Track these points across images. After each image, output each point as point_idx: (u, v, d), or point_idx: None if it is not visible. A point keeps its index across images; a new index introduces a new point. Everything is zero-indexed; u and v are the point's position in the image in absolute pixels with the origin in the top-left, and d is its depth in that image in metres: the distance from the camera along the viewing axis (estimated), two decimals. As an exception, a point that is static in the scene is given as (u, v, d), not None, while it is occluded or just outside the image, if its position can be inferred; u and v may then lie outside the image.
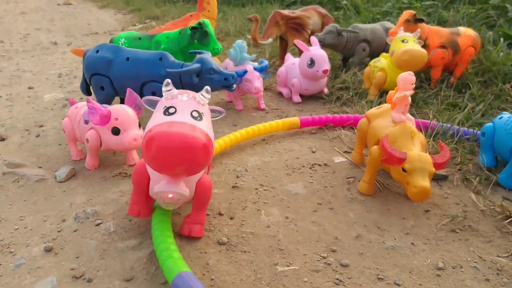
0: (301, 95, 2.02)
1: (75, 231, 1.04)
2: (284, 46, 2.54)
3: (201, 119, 0.87)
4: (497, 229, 1.05)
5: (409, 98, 1.18)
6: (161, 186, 0.83)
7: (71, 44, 3.51)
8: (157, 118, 0.85)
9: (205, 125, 0.87)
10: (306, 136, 1.61)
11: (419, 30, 1.83)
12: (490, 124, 1.30)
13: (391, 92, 1.23)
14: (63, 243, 1.00)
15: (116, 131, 1.23)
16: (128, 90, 1.32)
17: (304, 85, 1.96)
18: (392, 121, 1.19)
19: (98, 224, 1.06)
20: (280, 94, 2.11)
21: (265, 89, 2.19)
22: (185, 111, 0.86)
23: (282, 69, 2.08)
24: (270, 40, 2.39)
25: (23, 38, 3.81)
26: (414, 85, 1.17)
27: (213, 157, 1.41)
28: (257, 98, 1.91)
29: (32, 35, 3.98)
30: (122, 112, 1.24)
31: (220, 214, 1.11)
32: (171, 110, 0.86)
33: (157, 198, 0.88)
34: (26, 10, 5.82)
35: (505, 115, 1.27)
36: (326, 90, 2.05)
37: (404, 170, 1.04)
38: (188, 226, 0.99)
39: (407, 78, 1.15)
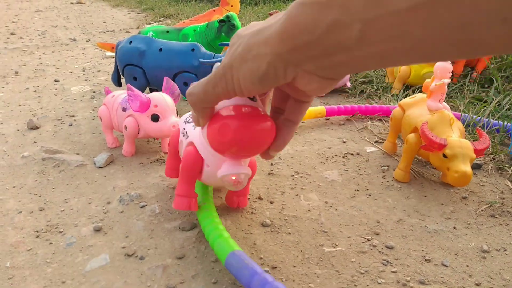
0: (324, 89, 2.03)
1: (121, 212, 1.07)
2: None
3: (256, 99, 0.89)
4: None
5: (446, 87, 1.19)
6: (226, 169, 0.82)
7: (89, 41, 3.55)
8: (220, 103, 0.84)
9: (260, 104, 0.88)
10: (334, 127, 1.63)
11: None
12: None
13: (427, 81, 1.25)
14: (111, 223, 1.03)
15: (155, 118, 1.25)
16: (166, 78, 1.35)
17: (328, 79, 1.97)
18: (428, 110, 1.20)
19: (143, 206, 1.09)
20: (303, 88, 2.13)
21: (288, 83, 2.20)
22: None
23: (305, 64, 2.10)
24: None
25: (42, 35, 3.86)
26: (451, 74, 1.18)
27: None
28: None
29: (49, 32, 4.03)
30: (162, 99, 1.26)
31: (260, 198, 1.13)
32: None
33: (221, 183, 0.87)
34: (41, 8, 5.88)
35: None
36: (349, 84, 2.07)
37: (445, 156, 1.05)
38: (237, 199, 1.05)
39: (445, 66, 1.17)
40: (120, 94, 1.37)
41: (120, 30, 4.19)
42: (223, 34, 1.85)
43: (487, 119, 1.50)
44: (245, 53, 0.45)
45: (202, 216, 0.96)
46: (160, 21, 4.60)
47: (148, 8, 5.55)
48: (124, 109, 1.32)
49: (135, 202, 1.11)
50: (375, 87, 2.00)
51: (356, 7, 0.33)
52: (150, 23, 4.55)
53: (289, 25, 0.39)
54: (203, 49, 1.56)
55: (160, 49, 1.57)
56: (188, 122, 1.03)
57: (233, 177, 0.85)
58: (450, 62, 1.18)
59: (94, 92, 2.07)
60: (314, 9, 0.36)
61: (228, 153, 0.79)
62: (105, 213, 1.07)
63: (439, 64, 1.19)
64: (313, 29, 0.37)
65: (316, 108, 1.62)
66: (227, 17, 1.84)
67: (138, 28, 4.29)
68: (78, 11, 5.70)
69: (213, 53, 1.56)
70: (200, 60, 1.48)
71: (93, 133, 1.56)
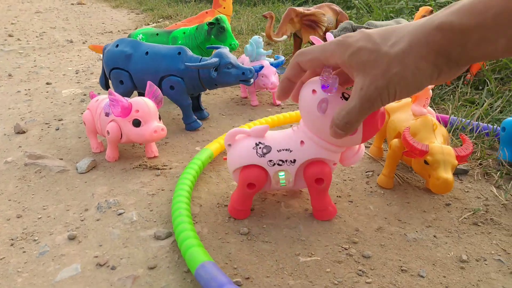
0: (316, 92, 2.01)
1: (98, 220, 1.06)
2: (298, 43, 2.55)
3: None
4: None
5: (430, 91, 1.17)
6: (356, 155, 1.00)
7: (86, 42, 3.56)
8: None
9: None
10: (322, 131, 1.61)
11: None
12: (511, 118, 1.28)
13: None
14: (86, 231, 1.02)
15: (137, 123, 1.24)
16: (149, 83, 1.34)
17: (320, 82, 1.96)
18: (413, 114, 1.18)
19: (120, 214, 1.08)
20: (295, 90, 2.11)
21: (280, 85, 2.19)
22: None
23: (297, 66, 2.08)
24: (285, 37, 2.39)
25: (39, 36, 3.87)
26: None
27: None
28: (272, 93, 1.91)
29: (47, 33, 4.04)
30: (143, 104, 1.25)
31: (240, 205, 1.12)
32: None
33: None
34: (41, 10, 5.91)
35: None
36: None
37: (426, 162, 1.03)
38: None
39: None
40: (104, 98, 1.37)
41: (118, 31, 4.19)
42: (212, 36, 1.84)
43: (477, 123, 1.48)
44: (403, 71, 0.54)
45: (177, 224, 0.95)
46: (158, 22, 4.59)
47: (147, 9, 5.55)
48: (107, 114, 1.31)
49: (113, 209, 1.10)
50: (366, 89, 1.97)
51: (502, 26, 0.44)
52: (149, 24, 4.55)
53: (444, 41, 0.50)
54: (190, 53, 1.55)
55: (147, 53, 1.56)
56: (266, 153, 0.97)
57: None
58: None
59: (85, 95, 2.06)
60: (464, 29, 0.47)
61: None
62: (82, 220, 1.06)
63: None
64: (464, 43, 0.48)
65: (299, 112, 1.59)
66: (217, 19, 1.83)
67: (136, 29, 4.29)
68: (77, 12, 5.71)
69: (200, 57, 1.54)
70: (186, 63, 1.47)
71: (79, 138, 1.55)
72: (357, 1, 3.76)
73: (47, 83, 2.28)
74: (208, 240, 0.97)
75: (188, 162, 1.33)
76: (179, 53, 1.54)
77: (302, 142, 0.96)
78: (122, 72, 1.57)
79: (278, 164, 0.97)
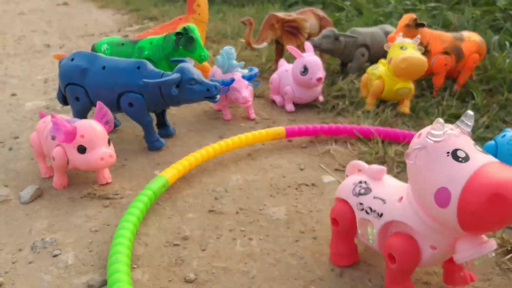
0: (294, 104, 1.91)
1: (30, 263, 0.95)
2: (280, 50, 2.43)
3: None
4: (497, 265, 0.93)
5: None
6: (472, 251, 0.67)
7: (63, 47, 3.43)
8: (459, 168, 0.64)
9: None
10: (295, 151, 1.50)
11: (419, 36, 1.71)
12: (492, 142, 1.18)
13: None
14: (15, 277, 0.91)
15: (82, 149, 1.13)
16: (98, 103, 1.23)
17: (298, 93, 1.85)
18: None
19: (55, 256, 0.96)
20: (273, 102, 2.01)
21: (258, 96, 2.08)
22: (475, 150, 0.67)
23: (275, 76, 1.98)
24: (265, 44, 2.28)
25: (17, 41, 3.74)
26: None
27: (191, 174, 1.31)
28: (247, 107, 1.80)
29: (27, 37, 3.91)
30: (89, 128, 1.14)
31: (192, 244, 1.01)
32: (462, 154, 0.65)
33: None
34: (25, 11, 5.76)
35: (508, 132, 1.15)
36: (321, 98, 1.94)
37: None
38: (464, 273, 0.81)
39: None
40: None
41: (100, 34, 4.06)
42: (180, 47, 1.72)
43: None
44: None
45: (111, 271, 0.84)
46: (143, 23, 4.47)
47: (133, 10, 5.41)
48: (53, 138, 1.19)
49: (48, 250, 0.98)
50: (347, 102, 1.87)
51: None
52: (132, 26, 4.43)
53: None
54: (151, 67, 1.44)
55: (104, 67, 1.44)
56: (362, 194, 0.84)
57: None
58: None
59: (48, 108, 1.95)
60: None
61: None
62: (13, 263, 0.95)
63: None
64: None
65: (275, 129, 1.49)
66: (185, 29, 1.71)
67: (119, 31, 4.17)
68: (62, 13, 5.57)
69: (162, 72, 1.43)
70: (144, 80, 1.36)
71: (32, 159, 1.44)
72: (348, 2, 3.65)
73: (12, 94, 2.16)
74: (147, 290, 0.87)
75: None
76: (139, 67, 1.43)
77: (401, 198, 0.78)
78: (78, 87, 1.46)
79: (366, 212, 0.82)
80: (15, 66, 2.79)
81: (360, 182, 0.87)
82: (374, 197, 0.82)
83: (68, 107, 1.59)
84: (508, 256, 0.95)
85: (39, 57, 3.08)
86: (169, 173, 1.19)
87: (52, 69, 2.69)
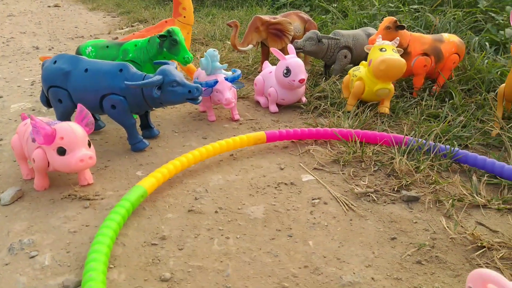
0: (278, 105, 1.93)
1: (6, 264, 0.96)
2: (265, 52, 2.45)
3: None
4: (467, 261, 0.96)
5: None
6: None
7: (53, 49, 3.43)
8: None
9: None
10: (276, 151, 1.52)
11: (398, 38, 1.74)
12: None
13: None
14: (-8, 278, 0.92)
15: (61, 151, 1.14)
16: (79, 105, 1.24)
17: (281, 94, 1.87)
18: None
19: (32, 257, 0.98)
20: (258, 103, 2.03)
21: (243, 97, 2.10)
22: None
23: (259, 78, 2.00)
24: (250, 46, 2.30)
25: (6, 43, 3.72)
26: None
27: (173, 176, 1.32)
28: (230, 108, 1.82)
29: (15, 39, 3.90)
30: (69, 130, 1.16)
31: (169, 243, 1.03)
32: None
33: None
34: (15, 13, 5.74)
35: None
36: (304, 99, 1.97)
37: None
38: None
39: None
40: (33, 122, 1.26)
41: (90, 36, 4.07)
42: (164, 49, 1.74)
43: (433, 143, 1.40)
44: None
45: (86, 271, 0.86)
46: (132, 26, 4.47)
47: (124, 12, 5.41)
48: (34, 140, 1.20)
49: (25, 251, 1.00)
50: (328, 103, 1.89)
51: None
52: (123, 28, 4.43)
53: None
54: (133, 70, 1.45)
55: (86, 70, 1.45)
56: None
57: None
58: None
59: (33, 110, 1.96)
60: None
61: None
62: (-9, 264, 0.96)
63: None
64: None
65: (255, 134, 1.50)
66: (168, 31, 1.73)
67: (109, 33, 4.17)
68: (52, 15, 5.55)
69: (144, 74, 1.45)
70: (126, 82, 1.37)
71: (14, 161, 1.45)
72: (334, 5, 3.69)
73: (-2, 97, 2.16)
74: (123, 289, 0.88)
75: (124, 190, 1.24)
76: (121, 70, 1.44)
77: None
78: (60, 90, 1.47)
79: None
80: (2, 68, 2.79)
81: None
82: None
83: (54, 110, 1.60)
84: (478, 252, 0.98)
85: (27, 58, 3.07)
86: (147, 183, 1.16)
87: (40, 71, 2.69)
